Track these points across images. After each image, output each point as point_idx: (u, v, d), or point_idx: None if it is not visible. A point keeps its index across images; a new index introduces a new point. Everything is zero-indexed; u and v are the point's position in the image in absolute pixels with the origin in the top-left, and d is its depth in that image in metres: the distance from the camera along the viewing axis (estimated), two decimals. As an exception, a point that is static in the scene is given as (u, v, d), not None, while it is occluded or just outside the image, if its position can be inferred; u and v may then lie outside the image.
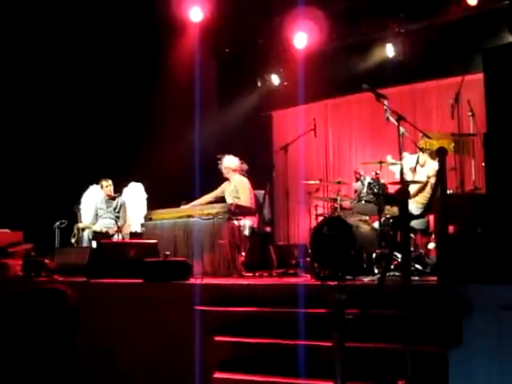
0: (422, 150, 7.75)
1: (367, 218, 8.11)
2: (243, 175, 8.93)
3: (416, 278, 5.98)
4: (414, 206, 7.56)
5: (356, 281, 6.25)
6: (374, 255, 6.92)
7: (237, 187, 8.74)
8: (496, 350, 4.39)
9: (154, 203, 10.17)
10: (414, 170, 7.75)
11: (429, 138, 7.65)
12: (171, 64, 11.15)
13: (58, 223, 9.44)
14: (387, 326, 4.63)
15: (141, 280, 6.58)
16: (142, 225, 9.11)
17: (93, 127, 11.14)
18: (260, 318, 5.51)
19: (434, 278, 5.59)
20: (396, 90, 10.64)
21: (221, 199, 8.80)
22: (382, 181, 7.61)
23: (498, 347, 4.39)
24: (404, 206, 4.92)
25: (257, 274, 7.65)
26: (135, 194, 10.78)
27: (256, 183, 8.99)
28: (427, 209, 7.55)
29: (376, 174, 7.55)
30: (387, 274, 4.91)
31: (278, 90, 12.43)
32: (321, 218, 8.33)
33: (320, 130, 10.46)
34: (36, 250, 8.84)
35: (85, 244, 9.68)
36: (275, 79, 12.37)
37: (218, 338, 5.47)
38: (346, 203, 8.34)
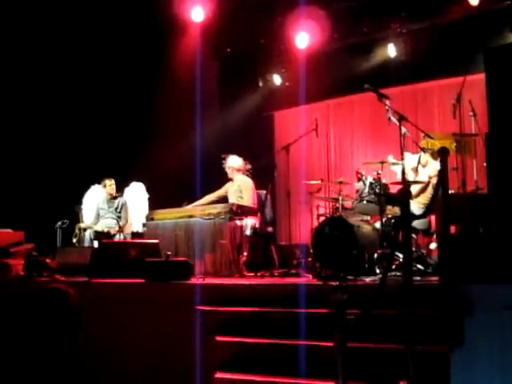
0: (423, 150, 7.74)
1: (369, 218, 8.11)
2: (247, 175, 8.94)
3: (418, 278, 5.97)
4: (416, 206, 7.55)
5: (358, 281, 6.24)
6: (375, 255, 6.91)
7: (240, 187, 8.74)
8: (498, 349, 4.39)
9: (155, 203, 10.17)
10: (415, 170, 7.74)
11: (430, 138, 7.64)
12: (173, 64, 11.15)
13: (59, 223, 9.45)
14: (389, 326, 4.62)
15: (142, 280, 6.59)
16: (144, 225, 9.12)
17: (94, 127, 11.15)
18: (261, 317, 5.51)
19: (436, 278, 5.58)
20: (398, 89, 10.64)
21: (223, 199, 8.80)
22: (384, 181, 7.60)
23: (499, 347, 4.38)
24: (406, 206, 4.92)
25: (258, 274, 7.64)
26: (137, 194, 10.78)
27: (258, 183, 9.00)
28: (429, 209, 7.52)
29: (377, 174, 7.54)
30: (389, 274, 4.91)
31: (279, 90, 12.43)
32: (322, 218, 8.34)
33: (322, 130, 10.47)
34: (37, 249, 8.84)
35: (86, 244, 9.69)
36: (277, 79, 12.37)
37: (219, 338, 5.47)
38: (348, 203, 8.33)
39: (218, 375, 5.24)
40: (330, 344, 3.92)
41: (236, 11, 10.96)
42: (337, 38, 11.22)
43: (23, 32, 10.36)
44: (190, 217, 8.38)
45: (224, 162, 8.97)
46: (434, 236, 7.54)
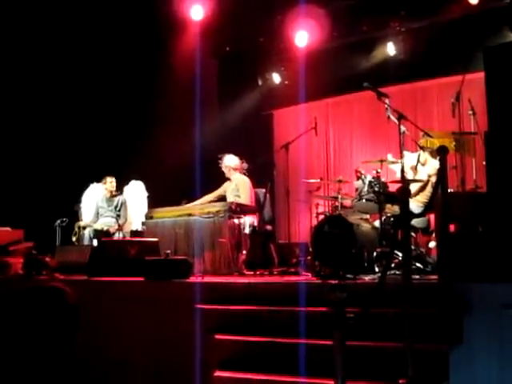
0: (422, 148, 7.74)
1: (368, 216, 8.11)
2: (244, 174, 8.94)
3: (417, 276, 5.97)
4: (415, 204, 7.55)
5: (357, 279, 6.24)
6: (374, 254, 6.91)
7: (238, 186, 8.74)
8: (497, 348, 4.40)
9: (154, 201, 10.17)
10: (414, 168, 7.74)
11: (430, 136, 7.64)
12: (172, 62, 11.15)
13: (58, 221, 9.46)
14: (388, 324, 4.62)
15: (142, 278, 6.59)
16: (143, 223, 9.12)
17: (93, 126, 11.15)
18: (261, 316, 5.51)
19: (435, 277, 5.58)
20: (397, 88, 10.63)
21: (222, 199, 8.80)
22: (383, 179, 7.61)
23: (498, 345, 4.39)
24: (405, 205, 4.93)
25: (257, 273, 7.65)
26: (136, 193, 10.78)
27: (257, 182, 9.00)
28: (428, 207, 7.56)
29: (377, 172, 7.55)
30: (388, 273, 4.92)
31: (278, 89, 12.43)
32: (321, 217, 8.33)
33: (321, 129, 10.48)
34: (37, 248, 8.83)
35: (86, 242, 9.69)
36: (276, 78, 12.37)
37: (218, 337, 5.47)
38: (347, 202, 8.34)
39: (218, 373, 5.25)
40: (330, 342, 3.92)
41: (235, 9, 10.96)
42: (336, 36, 11.22)
43: (23, 30, 10.36)
44: (190, 215, 8.38)
45: (220, 161, 8.96)
46: (433, 235, 7.55)
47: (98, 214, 10.14)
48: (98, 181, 10.37)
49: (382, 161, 7.76)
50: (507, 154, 5.02)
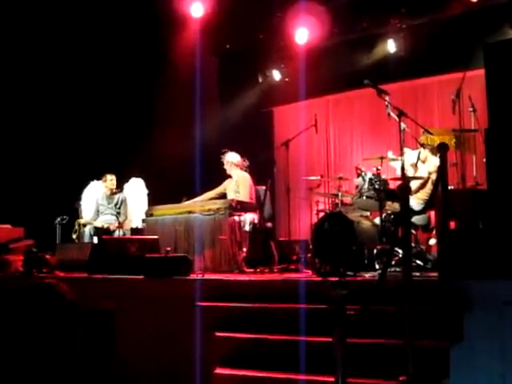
0: (423, 145, 7.73)
1: (368, 213, 8.10)
2: (245, 171, 8.94)
3: (417, 273, 5.96)
4: (415, 201, 7.55)
5: (357, 277, 6.24)
6: (375, 251, 6.91)
7: (238, 182, 8.75)
8: (497, 345, 4.40)
9: (154, 199, 10.17)
10: (415, 165, 7.73)
11: (430, 133, 7.63)
12: (172, 60, 11.14)
13: (59, 219, 9.45)
14: (388, 321, 4.63)
15: (142, 276, 6.59)
16: (143, 221, 9.12)
17: (94, 123, 11.14)
18: (261, 313, 5.51)
19: (435, 274, 5.58)
20: (397, 85, 10.61)
21: (223, 196, 8.81)
22: (383, 176, 7.60)
23: (499, 342, 4.39)
24: (405, 202, 4.93)
25: (258, 270, 7.65)
26: (136, 190, 10.77)
27: (257, 179, 9.00)
28: (428, 205, 7.56)
29: (377, 169, 7.54)
30: (388, 270, 4.91)
31: (279, 86, 12.41)
32: (322, 214, 8.33)
33: (321, 126, 10.47)
34: (37, 245, 8.82)
35: (86, 240, 9.69)
36: (276, 75, 12.35)
37: (218, 334, 5.47)
38: (347, 199, 8.33)
39: (218, 371, 5.25)
40: (330, 340, 3.92)
41: (235, 7, 10.93)
42: (336, 33, 11.20)
43: (23, 28, 10.35)
44: (190, 213, 8.38)
45: (223, 156, 8.96)
46: (434, 232, 7.54)
47: (98, 211, 10.14)
48: (99, 178, 10.36)
49: (382, 158, 7.76)
50: (507, 151, 5.02)
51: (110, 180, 10.12)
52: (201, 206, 8.37)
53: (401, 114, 6.68)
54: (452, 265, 4.84)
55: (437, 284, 5.09)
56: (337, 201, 8.30)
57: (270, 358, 5.09)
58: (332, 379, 3.91)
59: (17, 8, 10.23)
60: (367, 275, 6.32)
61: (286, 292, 5.57)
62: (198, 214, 8.24)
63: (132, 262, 7.15)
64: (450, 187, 5.92)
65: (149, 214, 8.92)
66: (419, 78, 11.01)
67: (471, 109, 7.75)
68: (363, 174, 7.55)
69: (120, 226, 9.69)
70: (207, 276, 6.79)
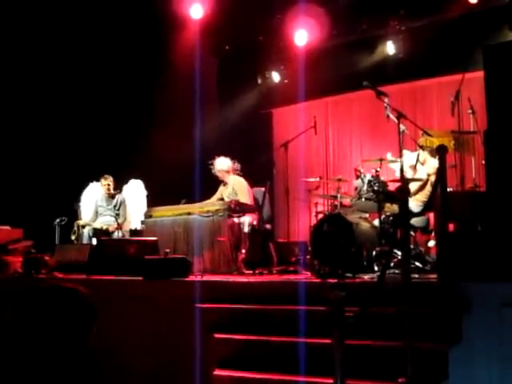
0: (422, 147, 7.73)
1: (367, 215, 8.11)
2: (238, 174, 8.91)
3: (416, 275, 5.97)
4: (414, 203, 7.55)
5: (356, 278, 6.25)
6: (374, 253, 6.91)
7: (235, 189, 8.72)
8: (496, 347, 4.40)
9: (153, 200, 10.16)
10: (414, 167, 7.74)
11: (429, 135, 7.63)
12: (171, 61, 11.14)
13: (58, 220, 9.46)
14: (387, 323, 4.63)
15: (141, 277, 6.59)
16: (142, 222, 9.11)
17: (93, 124, 11.13)
18: (260, 315, 5.51)
19: (434, 276, 5.58)
20: (396, 87, 10.62)
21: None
22: (382, 178, 7.60)
23: (498, 344, 4.39)
24: (404, 204, 4.93)
25: (257, 272, 7.65)
26: (135, 192, 10.78)
27: (256, 181, 8.99)
28: (427, 206, 7.56)
29: (376, 171, 7.54)
30: (387, 272, 4.91)
31: (278, 88, 12.41)
32: (321, 216, 8.33)
33: (320, 128, 10.46)
34: (36, 247, 8.83)
35: (85, 241, 9.69)
36: (276, 76, 12.36)
37: (217, 336, 5.47)
38: (346, 201, 8.34)
39: (217, 372, 5.25)
40: (329, 341, 3.92)
41: (235, 8, 10.94)
42: (336, 35, 11.21)
43: (23, 29, 10.35)
44: (189, 214, 8.39)
45: (212, 167, 8.92)
46: (433, 234, 7.55)
47: (97, 212, 10.14)
48: (98, 180, 10.36)
49: (381, 160, 7.76)
50: (506, 153, 5.02)
51: (104, 185, 10.11)
52: (200, 207, 8.37)
53: (400, 116, 6.68)
54: (451, 267, 4.85)
55: (436, 286, 5.09)
56: (336, 202, 8.30)
57: (268, 360, 5.09)
58: (331, 381, 3.91)
59: (17, 9, 10.23)
60: (366, 277, 6.33)
61: (285, 294, 5.57)
62: (197, 216, 8.24)
63: (131, 264, 7.14)
64: (448, 189, 5.91)
65: (148, 215, 8.92)
66: (418, 80, 11.01)
67: (470, 111, 7.76)
68: (362, 175, 7.55)
69: (119, 227, 9.68)
70: (206, 277, 6.79)
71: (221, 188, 8.96)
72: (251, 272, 7.69)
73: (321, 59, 11.44)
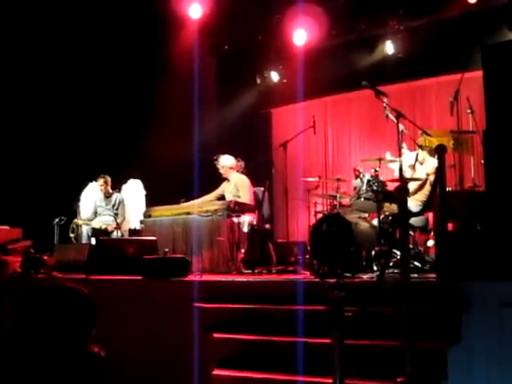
0: (421, 147, 7.74)
1: (366, 215, 8.11)
2: (242, 173, 8.93)
3: (415, 275, 5.97)
4: (413, 203, 7.56)
5: (355, 278, 6.24)
6: (373, 252, 6.91)
7: (237, 185, 8.73)
8: (495, 346, 4.40)
9: (152, 200, 10.16)
10: (413, 167, 7.75)
11: (428, 135, 7.63)
12: (170, 61, 11.14)
13: (57, 220, 9.45)
14: (386, 323, 4.62)
15: (140, 277, 6.59)
16: (141, 222, 9.11)
17: (92, 124, 11.13)
18: (259, 314, 5.51)
19: (433, 276, 5.58)
20: (395, 87, 10.62)
21: (221, 199, 8.79)
22: (382, 178, 7.60)
23: (497, 344, 4.39)
24: (403, 204, 4.93)
25: (256, 271, 7.65)
26: (134, 191, 10.77)
27: (255, 180, 8.99)
28: (426, 206, 7.56)
29: (375, 171, 7.54)
30: (386, 272, 4.91)
31: (277, 87, 12.41)
32: (320, 215, 8.33)
33: (319, 128, 10.44)
34: (35, 246, 8.83)
35: (84, 241, 9.69)
36: (274, 76, 12.35)
37: (216, 335, 5.47)
38: (345, 200, 8.33)
39: (216, 372, 5.24)
40: (328, 341, 3.92)
41: (233, 8, 10.94)
42: (334, 34, 11.21)
43: (22, 27, 10.34)
44: (188, 214, 8.39)
45: (216, 162, 8.94)
46: (432, 233, 7.55)
47: (96, 212, 10.14)
48: (97, 179, 10.36)
49: (380, 159, 7.76)
50: (505, 153, 5.02)
51: (99, 185, 10.11)
52: (199, 207, 8.37)
53: (399, 116, 6.68)
54: (450, 266, 4.85)
55: (435, 285, 5.09)
56: (335, 202, 8.30)
57: (268, 359, 5.09)
58: (330, 380, 3.91)
59: (16, 6, 10.22)
60: (365, 276, 6.32)
61: (284, 293, 5.57)
62: (196, 215, 8.24)
63: (130, 263, 7.14)
64: (447, 189, 5.92)
65: (147, 215, 8.92)
66: (417, 80, 11.02)
67: (469, 110, 7.76)
68: (361, 175, 7.56)
69: (118, 227, 9.68)
70: (205, 277, 6.78)
71: (224, 184, 8.97)
72: (250, 272, 7.69)
73: (320, 59, 11.44)
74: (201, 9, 11.13)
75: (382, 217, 7.34)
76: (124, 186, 10.75)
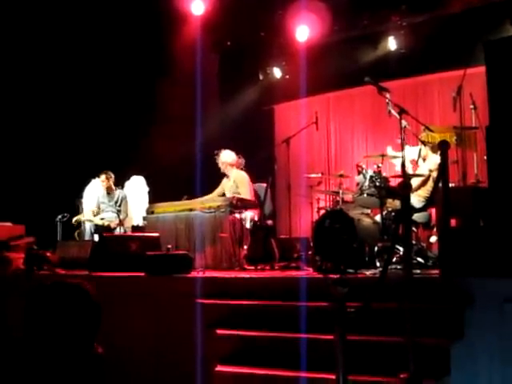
0: (423, 143, 7.73)
1: (369, 211, 8.10)
2: (241, 169, 8.92)
3: (418, 271, 5.97)
4: (416, 199, 7.55)
5: (358, 274, 6.25)
6: (375, 248, 6.91)
7: (236, 182, 8.73)
8: (498, 342, 4.40)
9: (155, 196, 10.17)
10: (415, 163, 7.74)
11: (431, 131, 7.63)
12: (173, 57, 11.13)
13: (59, 216, 9.47)
14: (389, 319, 4.62)
15: (143, 273, 6.59)
16: (144, 218, 9.12)
17: (94, 121, 11.14)
18: (262, 311, 5.51)
19: (436, 272, 5.58)
20: (398, 83, 10.62)
21: (222, 196, 8.80)
22: (384, 174, 7.60)
23: (500, 340, 4.39)
24: (406, 200, 4.92)
25: (258, 268, 7.65)
26: (137, 188, 10.78)
27: (258, 176, 8.99)
28: (429, 202, 7.55)
29: (378, 167, 7.53)
30: (389, 268, 4.91)
31: (279, 83, 12.41)
32: (323, 211, 8.32)
33: (322, 123, 10.47)
34: (38, 243, 8.83)
35: (87, 237, 9.70)
36: (277, 72, 12.36)
37: (219, 332, 5.47)
38: (348, 196, 8.33)
39: (219, 368, 5.24)
40: (331, 337, 3.92)
41: (236, 4, 10.93)
42: (337, 30, 11.20)
43: (23, 24, 10.34)
44: (191, 210, 8.39)
45: (217, 157, 8.94)
46: (435, 229, 7.55)
47: (99, 209, 10.15)
48: (99, 176, 10.37)
49: (383, 155, 7.75)
50: (508, 149, 5.01)
51: (101, 181, 10.12)
52: (201, 203, 8.38)
53: (401, 112, 6.68)
54: (453, 262, 4.85)
55: (438, 281, 5.09)
56: (337, 198, 8.29)
57: (270, 356, 5.09)
58: (333, 376, 3.91)
59: (17, 3, 10.22)
60: (368, 272, 6.33)
61: (287, 289, 5.57)
62: (199, 212, 8.24)
63: (133, 260, 7.15)
64: (450, 185, 5.91)
65: (150, 211, 8.93)
66: (420, 76, 11.01)
67: (472, 106, 7.75)
68: (364, 171, 7.55)
69: (121, 223, 9.69)
70: (208, 273, 6.78)
71: (223, 181, 8.97)
72: (253, 268, 7.69)
73: (322, 55, 11.43)
74: (203, 5, 11.11)
75: (384, 213, 7.35)
76: (127, 183, 10.77)
